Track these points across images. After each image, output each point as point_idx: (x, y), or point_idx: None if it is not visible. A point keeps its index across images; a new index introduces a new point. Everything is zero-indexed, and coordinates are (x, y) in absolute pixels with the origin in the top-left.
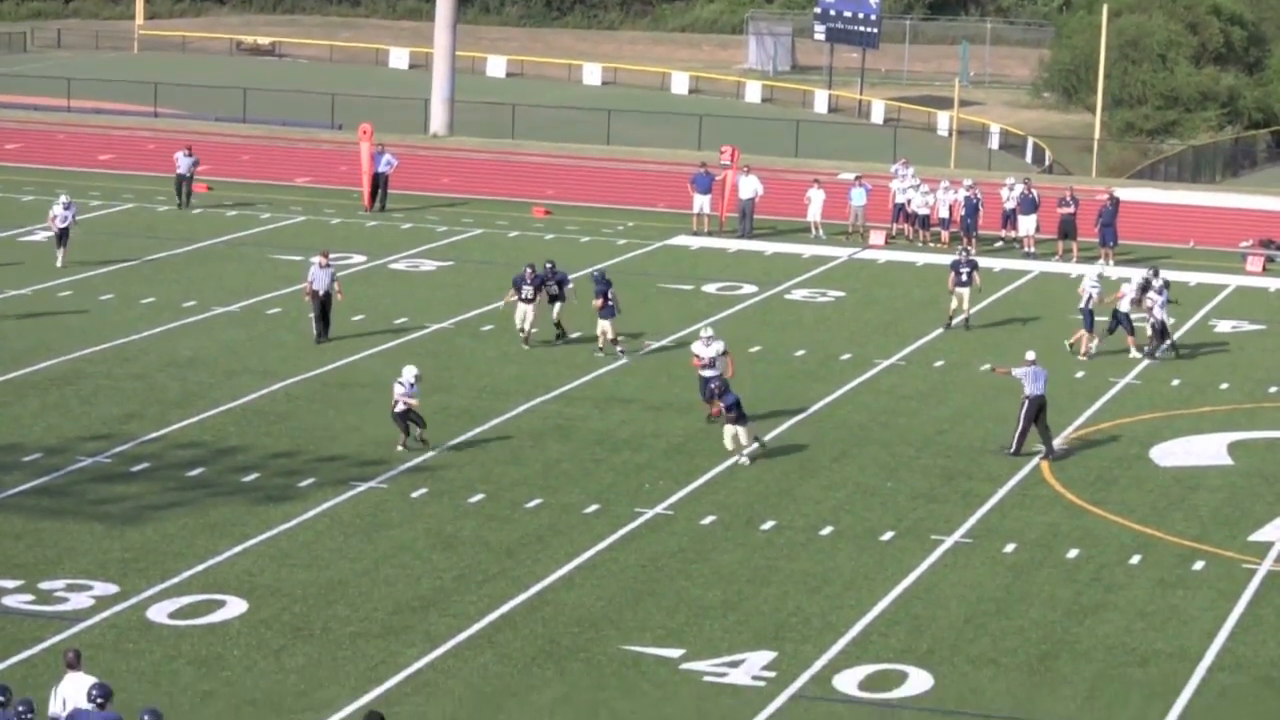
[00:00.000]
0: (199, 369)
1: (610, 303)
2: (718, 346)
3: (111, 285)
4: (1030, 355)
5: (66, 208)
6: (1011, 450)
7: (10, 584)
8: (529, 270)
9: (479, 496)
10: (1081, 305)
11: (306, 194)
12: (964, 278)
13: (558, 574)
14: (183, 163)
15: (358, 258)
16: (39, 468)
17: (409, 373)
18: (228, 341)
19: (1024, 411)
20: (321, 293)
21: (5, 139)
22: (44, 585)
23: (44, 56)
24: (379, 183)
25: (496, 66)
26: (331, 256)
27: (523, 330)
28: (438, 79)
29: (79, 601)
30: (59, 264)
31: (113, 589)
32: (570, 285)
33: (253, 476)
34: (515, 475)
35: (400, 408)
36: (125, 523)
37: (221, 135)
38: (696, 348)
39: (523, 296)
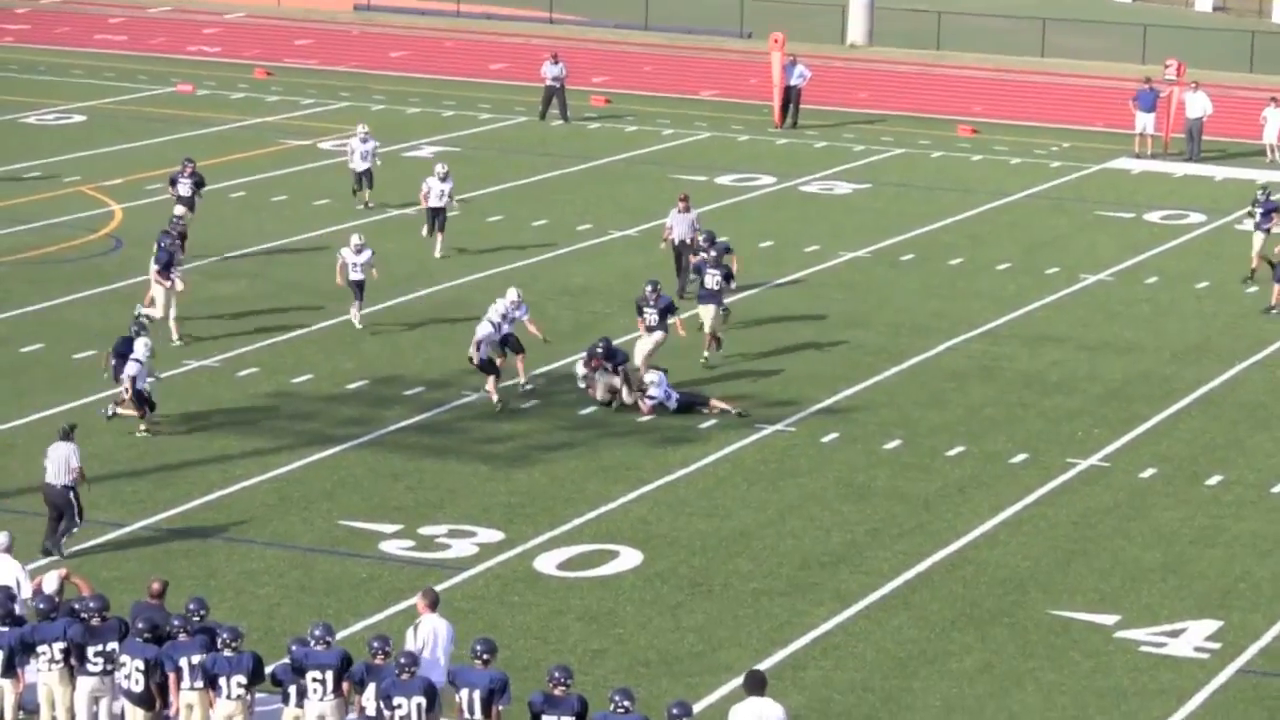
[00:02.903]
0: (593, 297)
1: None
2: None
3: (500, 206)
4: None
5: (364, 140)
6: None
7: (389, 528)
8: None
9: (895, 443)
10: None
11: (712, 108)
12: None
13: (980, 530)
14: (549, 71)
15: (766, 179)
16: (420, 402)
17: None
18: (624, 268)
19: None
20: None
21: (390, 45)
22: (425, 530)
23: None
24: (790, 97)
25: None
26: (737, 176)
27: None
28: None
29: (461, 549)
30: (365, 205)
31: (498, 536)
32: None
33: (649, 417)
34: (935, 420)
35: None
36: (511, 464)
37: (621, 44)
38: None
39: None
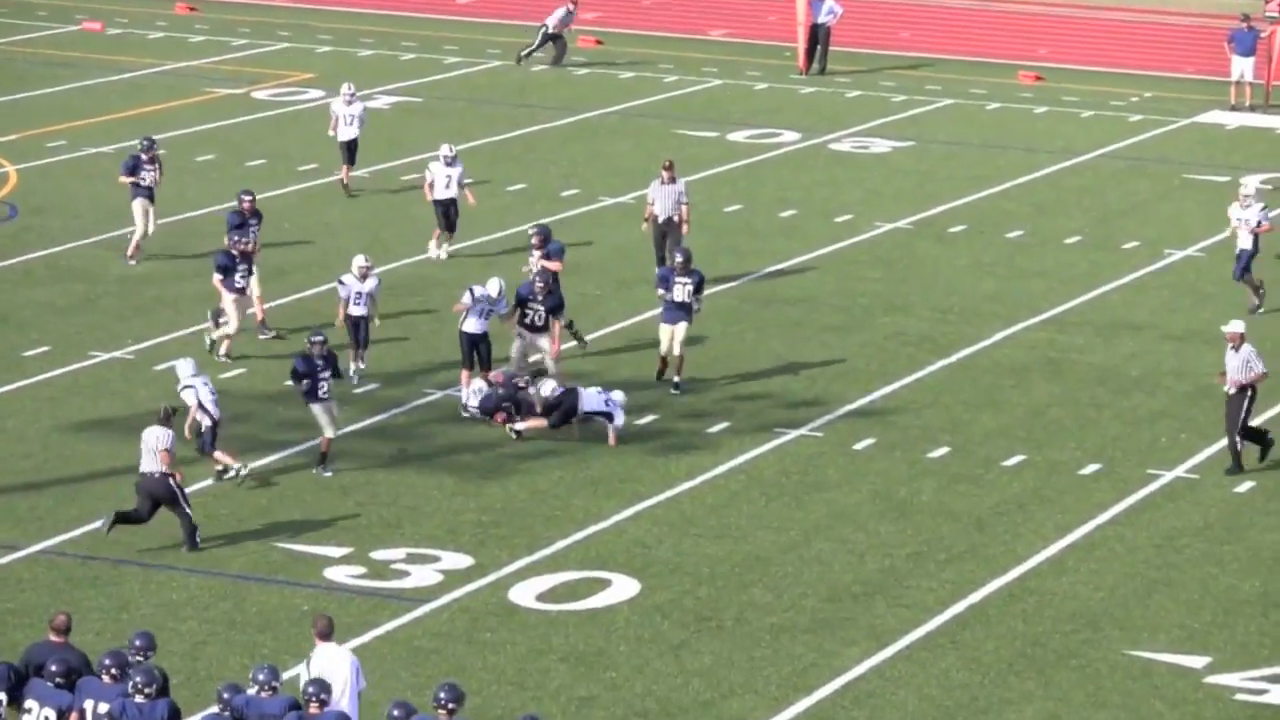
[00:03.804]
0: (582, 277)
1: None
2: None
3: (471, 167)
4: None
5: (350, 101)
6: None
7: (336, 552)
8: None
9: (942, 450)
10: None
11: (723, 50)
12: None
13: (1044, 554)
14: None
15: (789, 134)
16: (374, 402)
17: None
18: (618, 243)
19: None
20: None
21: None
22: (378, 555)
23: None
24: (818, 37)
25: None
26: (753, 132)
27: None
28: None
29: (422, 577)
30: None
31: (466, 561)
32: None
33: (649, 419)
34: (990, 424)
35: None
36: (482, 476)
37: None
38: None
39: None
